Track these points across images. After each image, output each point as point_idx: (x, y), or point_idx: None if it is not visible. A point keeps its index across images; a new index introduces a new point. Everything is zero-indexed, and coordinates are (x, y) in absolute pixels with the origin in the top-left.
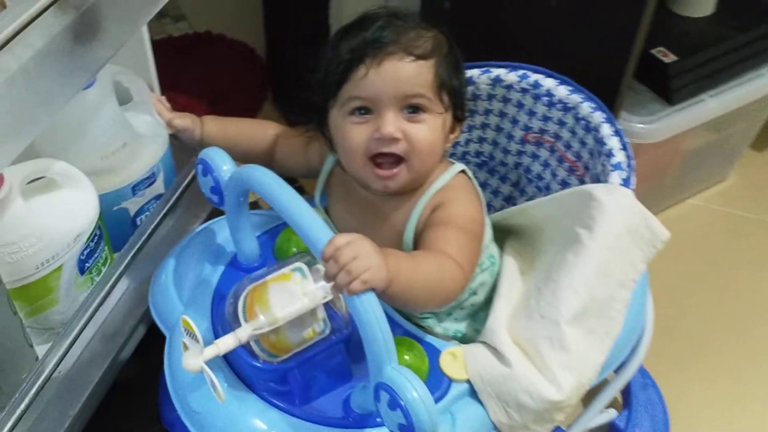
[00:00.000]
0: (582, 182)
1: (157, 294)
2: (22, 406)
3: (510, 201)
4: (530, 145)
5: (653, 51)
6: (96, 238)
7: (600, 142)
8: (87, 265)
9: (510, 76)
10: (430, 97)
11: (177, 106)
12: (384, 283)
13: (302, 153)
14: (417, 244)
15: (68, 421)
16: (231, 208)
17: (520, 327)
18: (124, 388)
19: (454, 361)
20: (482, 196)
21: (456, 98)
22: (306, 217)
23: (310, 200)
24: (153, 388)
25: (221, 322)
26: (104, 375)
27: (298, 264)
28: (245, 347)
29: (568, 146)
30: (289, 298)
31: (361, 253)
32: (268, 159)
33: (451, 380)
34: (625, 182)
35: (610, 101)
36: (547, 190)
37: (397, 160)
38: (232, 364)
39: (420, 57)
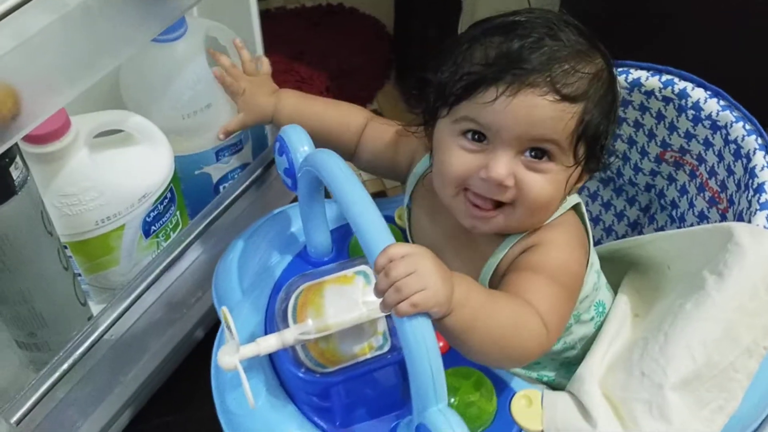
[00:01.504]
0: (724, 218)
1: (220, 275)
2: (67, 365)
3: (635, 228)
4: (667, 165)
5: None
6: (165, 200)
7: (750, 172)
8: (153, 228)
9: (652, 81)
10: (564, 146)
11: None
12: (441, 311)
13: (391, 150)
14: (496, 286)
15: (120, 387)
16: (303, 193)
17: (616, 382)
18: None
19: (529, 406)
20: (591, 240)
21: (596, 150)
22: (366, 216)
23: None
24: None
25: (271, 319)
26: (174, 346)
27: (362, 267)
28: (290, 352)
29: (712, 173)
30: (347, 304)
31: (418, 270)
32: (349, 150)
33: (521, 429)
34: None
35: None
36: (681, 221)
37: (498, 202)
38: (277, 368)
39: (567, 98)
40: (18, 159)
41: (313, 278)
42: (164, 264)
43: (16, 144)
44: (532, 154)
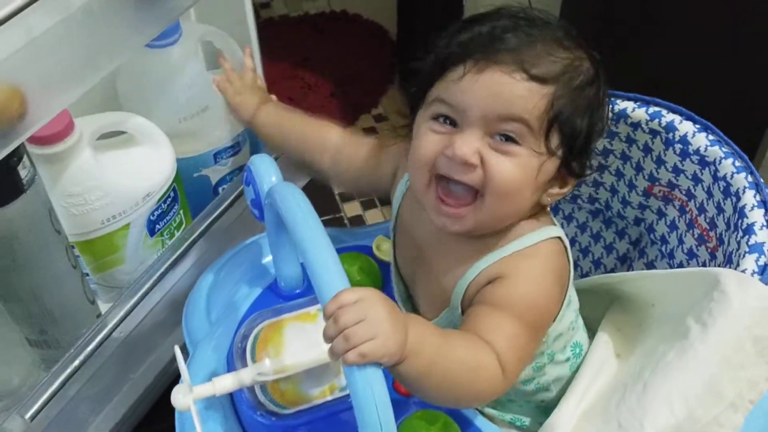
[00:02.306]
0: (713, 257)
1: (190, 305)
2: (77, 362)
3: (625, 262)
4: (656, 199)
5: None
6: (169, 199)
7: (740, 212)
8: (157, 227)
9: (639, 112)
10: (534, 128)
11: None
12: (392, 360)
13: (373, 163)
14: (466, 307)
15: (129, 384)
16: (270, 225)
17: (593, 429)
18: None
19: None
20: (571, 275)
21: (575, 145)
22: (320, 259)
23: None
24: None
25: (231, 356)
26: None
27: None
28: (247, 392)
29: (702, 209)
30: (307, 344)
31: (369, 317)
32: (324, 168)
33: None
34: (762, 271)
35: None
36: (670, 258)
37: (468, 197)
38: (237, 408)
39: (536, 78)
40: (25, 158)
41: (278, 314)
42: (169, 262)
43: (23, 144)
44: (501, 138)
